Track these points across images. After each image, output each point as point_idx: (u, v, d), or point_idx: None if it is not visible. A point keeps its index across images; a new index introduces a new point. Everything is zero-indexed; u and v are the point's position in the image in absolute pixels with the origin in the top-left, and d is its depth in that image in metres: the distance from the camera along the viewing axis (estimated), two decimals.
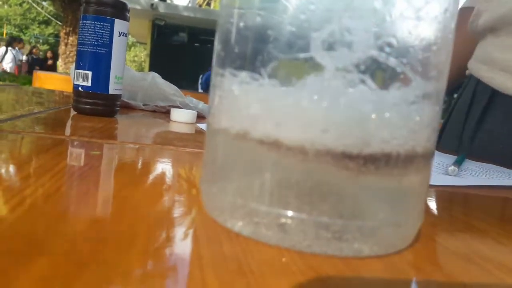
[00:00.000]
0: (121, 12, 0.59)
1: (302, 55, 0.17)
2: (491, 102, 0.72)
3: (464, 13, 0.88)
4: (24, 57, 7.12)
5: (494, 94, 0.72)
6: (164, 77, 0.81)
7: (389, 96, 0.18)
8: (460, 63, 0.85)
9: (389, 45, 0.17)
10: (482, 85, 0.75)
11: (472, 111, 0.77)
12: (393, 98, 0.18)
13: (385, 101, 0.18)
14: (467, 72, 0.82)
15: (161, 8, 8.09)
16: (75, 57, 0.61)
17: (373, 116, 0.18)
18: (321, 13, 0.17)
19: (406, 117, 0.18)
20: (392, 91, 0.18)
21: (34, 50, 7.13)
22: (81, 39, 0.59)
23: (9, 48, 6.71)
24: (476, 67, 0.76)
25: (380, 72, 0.17)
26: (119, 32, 0.59)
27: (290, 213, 0.18)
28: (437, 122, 0.20)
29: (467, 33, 0.83)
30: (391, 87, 0.18)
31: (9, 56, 6.82)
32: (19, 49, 6.85)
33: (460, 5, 0.91)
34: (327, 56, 0.16)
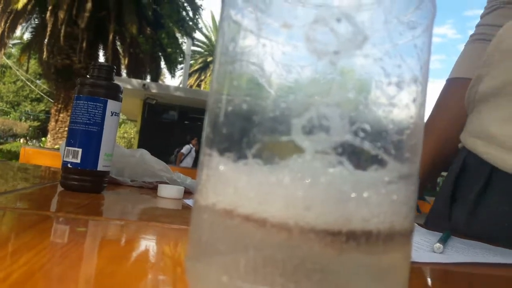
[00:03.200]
0: (115, 93, 0.62)
1: (284, 138, 0.18)
2: (490, 179, 0.69)
3: (453, 84, 0.86)
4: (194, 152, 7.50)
5: (493, 171, 0.68)
6: (153, 153, 0.83)
7: (367, 176, 0.19)
8: (451, 138, 0.82)
9: (363, 130, 0.18)
10: (474, 159, 0.72)
11: (465, 187, 0.73)
12: (370, 179, 0.19)
13: (362, 181, 0.19)
14: (459, 145, 0.79)
15: (153, 88, 8.39)
16: (64, 133, 0.62)
17: (352, 195, 0.19)
18: (300, 101, 0.18)
19: (384, 196, 0.19)
20: (369, 172, 0.19)
21: (193, 142, 7.52)
22: (74, 117, 0.60)
23: (190, 145, 7.11)
24: (472, 142, 0.73)
25: (356, 155, 0.18)
26: (111, 111, 0.61)
27: None
28: (414, 201, 0.21)
29: (456, 107, 0.82)
30: (368, 168, 0.19)
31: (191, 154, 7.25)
32: (193, 145, 7.28)
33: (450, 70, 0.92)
34: (306, 140, 0.18)
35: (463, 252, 0.48)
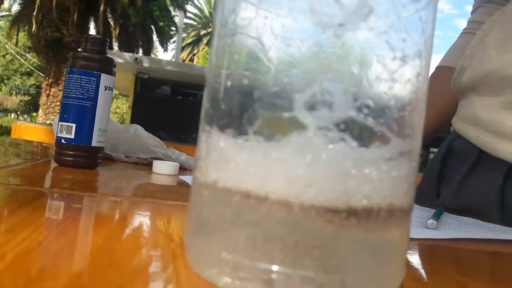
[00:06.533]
0: (108, 67, 0.61)
1: (286, 114, 0.18)
2: (477, 162, 0.72)
3: (440, 71, 0.92)
4: None
5: (481, 154, 0.71)
6: (146, 128, 0.82)
7: (368, 153, 0.19)
8: (436, 118, 0.87)
9: (367, 106, 0.18)
10: (462, 142, 0.75)
11: (451, 168, 0.77)
12: (372, 155, 0.19)
13: (364, 158, 0.18)
14: (451, 128, 0.83)
15: (145, 62, 8.26)
16: (56, 108, 0.61)
17: (354, 172, 0.19)
18: (302, 76, 0.18)
19: (385, 173, 0.19)
20: (371, 149, 0.19)
21: None
22: (67, 92, 0.59)
23: None
24: (461, 126, 0.76)
25: (359, 131, 0.18)
26: (105, 86, 0.60)
27: (275, 267, 0.18)
28: (414, 177, 0.21)
29: (442, 90, 0.86)
30: (370, 145, 0.19)
31: None
32: None
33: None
34: (309, 116, 0.17)
35: (456, 228, 0.49)
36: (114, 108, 22.38)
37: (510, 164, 0.67)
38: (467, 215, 0.60)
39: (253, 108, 0.19)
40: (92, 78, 0.59)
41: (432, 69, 0.96)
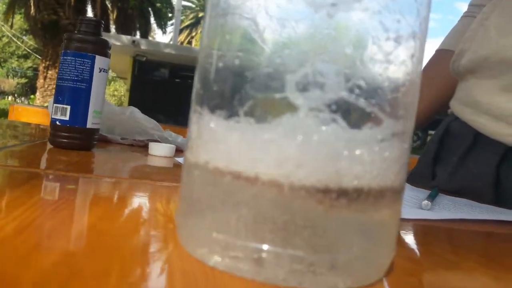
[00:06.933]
0: (102, 49, 0.60)
1: (277, 95, 0.18)
2: (474, 144, 0.73)
3: (440, 55, 0.92)
4: None
5: (477, 136, 0.72)
6: (144, 111, 0.82)
7: (360, 134, 0.19)
8: (434, 101, 0.88)
9: (359, 87, 0.18)
10: (459, 124, 0.76)
11: (448, 150, 0.77)
12: (364, 136, 0.19)
13: (355, 138, 0.18)
14: (449, 111, 0.83)
15: (143, 45, 8.18)
16: (53, 90, 0.61)
17: (345, 152, 0.19)
18: (295, 56, 0.18)
19: (376, 154, 0.19)
20: (363, 130, 0.19)
21: None
22: (61, 74, 0.59)
23: None
24: (459, 109, 0.77)
25: (350, 112, 0.18)
26: (99, 68, 0.59)
27: (266, 246, 0.18)
28: (406, 158, 0.21)
29: (442, 73, 0.86)
30: (362, 126, 0.19)
31: None
32: None
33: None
34: (300, 97, 0.17)
35: (450, 209, 0.49)
36: (112, 91, 22.27)
37: (507, 146, 0.68)
38: (463, 196, 0.61)
39: (244, 89, 0.19)
40: (86, 60, 0.58)
41: (432, 53, 0.95)
